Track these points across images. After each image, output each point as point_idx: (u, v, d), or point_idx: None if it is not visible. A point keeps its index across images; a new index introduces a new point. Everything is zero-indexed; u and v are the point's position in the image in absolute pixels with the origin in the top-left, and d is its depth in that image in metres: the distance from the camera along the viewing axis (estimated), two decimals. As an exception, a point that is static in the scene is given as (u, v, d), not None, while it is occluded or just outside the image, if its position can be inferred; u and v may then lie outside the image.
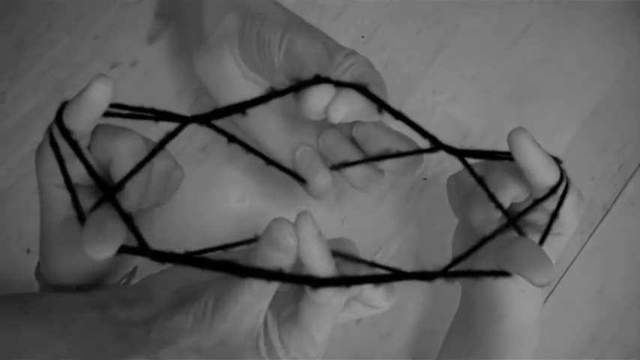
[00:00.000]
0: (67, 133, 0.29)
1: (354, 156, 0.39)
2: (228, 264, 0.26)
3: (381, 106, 0.33)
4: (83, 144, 0.30)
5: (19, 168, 0.49)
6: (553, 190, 0.33)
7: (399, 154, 0.37)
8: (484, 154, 0.36)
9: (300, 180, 0.41)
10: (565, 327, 0.55)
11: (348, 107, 0.33)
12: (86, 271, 0.34)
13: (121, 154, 0.31)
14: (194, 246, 0.35)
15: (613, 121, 0.57)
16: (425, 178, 0.54)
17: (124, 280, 0.39)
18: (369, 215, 0.53)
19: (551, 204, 0.34)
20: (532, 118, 0.56)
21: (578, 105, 0.57)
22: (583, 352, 0.54)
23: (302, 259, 0.29)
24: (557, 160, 0.34)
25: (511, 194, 0.35)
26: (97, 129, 0.31)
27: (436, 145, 0.34)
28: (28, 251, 0.48)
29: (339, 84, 0.33)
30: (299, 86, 0.33)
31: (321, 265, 0.29)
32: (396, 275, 0.28)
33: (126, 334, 0.31)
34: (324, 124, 0.40)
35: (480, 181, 0.35)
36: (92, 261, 0.27)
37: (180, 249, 0.28)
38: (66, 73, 0.50)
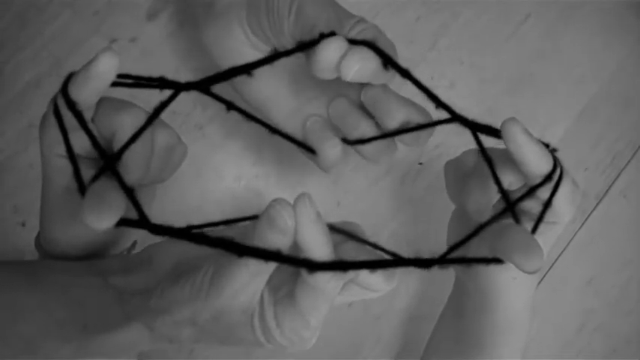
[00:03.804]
0: (72, 104, 0.29)
1: (365, 123, 0.38)
2: (226, 241, 0.26)
3: (389, 62, 0.32)
4: (87, 116, 0.30)
5: (16, 141, 0.49)
6: (548, 178, 0.33)
7: (414, 128, 0.36)
8: (495, 131, 0.35)
9: (309, 150, 0.39)
10: (553, 315, 0.55)
11: (359, 62, 0.32)
12: (86, 242, 0.34)
13: (124, 127, 0.31)
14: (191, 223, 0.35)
15: (608, 114, 0.58)
16: (421, 163, 0.54)
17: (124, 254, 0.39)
18: (365, 198, 0.53)
19: (545, 193, 0.34)
20: (528, 108, 0.56)
21: (574, 96, 0.57)
22: (570, 341, 0.55)
23: (298, 242, 0.29)
24: (553, 150, 0.34)
25: (507, 180, 0.35)
26: (102, 102, 0.31)
27: (451, 115, 0.33)
28: (24, 224, 0.48)
29: (348, 41, 0.32)
30: (303, 46, 0.32)
31: (318, 249, 0.29)
32: (391, 262, 0.28)
33: (126, 301, 0.31)
34: (333, 95, 0.39)
35: (488, 159, 0.34)
36: (92, 232, 0.27)
37: (177, 225, 0.28)
38: (65, 48, 0.50)
